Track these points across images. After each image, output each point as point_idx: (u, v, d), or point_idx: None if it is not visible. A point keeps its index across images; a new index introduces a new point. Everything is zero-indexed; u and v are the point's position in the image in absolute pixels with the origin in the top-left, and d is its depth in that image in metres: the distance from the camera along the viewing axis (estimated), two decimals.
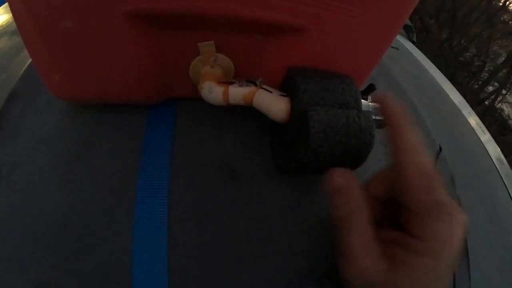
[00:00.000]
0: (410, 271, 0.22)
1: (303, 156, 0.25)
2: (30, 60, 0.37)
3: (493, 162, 0.63)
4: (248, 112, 0.29)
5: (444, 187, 0.23)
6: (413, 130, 0.24)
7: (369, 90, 0.31)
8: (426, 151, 0.24)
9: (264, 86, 0.28)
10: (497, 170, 0.61)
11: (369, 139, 0.25)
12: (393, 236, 0.25)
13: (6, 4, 0.49)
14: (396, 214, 0.26)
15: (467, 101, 0.80)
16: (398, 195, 0.24)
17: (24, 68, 0.37)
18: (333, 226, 0.25)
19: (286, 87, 0.29)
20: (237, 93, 0.28)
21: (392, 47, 0.75)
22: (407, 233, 0.23)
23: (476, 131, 0.68)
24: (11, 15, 0.27)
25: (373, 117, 0.30)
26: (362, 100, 0.28)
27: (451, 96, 0.74)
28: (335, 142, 0.25)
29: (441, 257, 0.22)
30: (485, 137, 0.69)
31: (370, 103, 0.30)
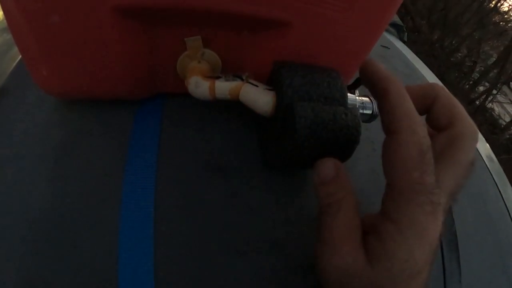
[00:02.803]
0: (383, 262, 0.21)
1: (289, 151, 0.25)
2: (20, 57, 0.37)
3: (484, 160, 0.63)
4: (235, 107, 0.29)
5: (434, 172, 0.21)
6: (406, 96, 0.23)
7: (356, 84, 0.31)
8: (421, 120, 0.22)
9: (250, 81, 0.28)
10: (487, 168, 0.62)
11: (355, 135, 0.25)
12: (371, 221, 0.24)
13: None
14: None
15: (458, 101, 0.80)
16: (384, 171, 0.23)
17: (13, 65, 0.37)
18: (318, 212, 0.24)
19: (272, 81, 0.29)
20: (224, 87, 0.28)
21: (383, 46, 0.75)
22: (384, 216, 0.22)
23: None
24: (0, 12, 0.27)
25: (361, 112, 0.30)
26: (350, 94, 0.28)
27: None
28: (321, 137, 0.25)
29: (415, 249, 0.21)
30: None
31: (357, 97, 0.30)
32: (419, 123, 0.22)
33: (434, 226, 0.21)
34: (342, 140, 0.25)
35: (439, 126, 0.26)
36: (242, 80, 0.28)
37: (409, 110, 0.22)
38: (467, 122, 0.24)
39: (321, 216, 0.24)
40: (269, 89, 0.28)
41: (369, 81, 0.25)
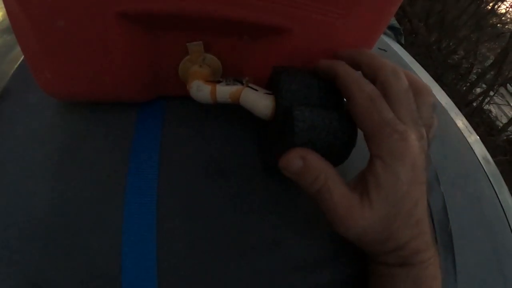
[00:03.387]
0: (380, 195, 0.24)
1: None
2: (22, 58, 0.37)
3: (480, 161, 0.64)
4: (235, 111, 0.30)
5: (389, 110, 0.25)
6: (350, 69, 0.27)
7: None
8: (367, 81, 0.26)
9: (250, 85, 0.29)
10: (483, 169, 0.62)
11: (352, 138, 0.26)
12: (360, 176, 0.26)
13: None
14: None
15: (455, 103, 0.81)
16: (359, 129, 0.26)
17: (15, 67, 0.37)
18: (312, 201, 0.26)
19: (271, 85, 0.29)
20: (225, 91, 0.28)
21: (380, 49, 0.76)
22: (370, 158, 0.25)
23: (462, 132, 0.69)
24: (1, 13, 0.27)
25: None
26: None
27: (438, 97, 0.75)
28: (318, 141, 0.25)
29: (400, 173, 0.23)
30: (472, 138, 0.70)
31: None
32: (364, 82, 0.26)
33: (408, 148, 0.24)
34: (338, 143, 0.26)
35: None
36: (242, 84, 0.29)
37: (354, 78, 0.26)
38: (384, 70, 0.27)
39: (318, 202, 0.25)
40: (269, 93, 0.28)
41: (324, 73, 0.28)
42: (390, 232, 0.24)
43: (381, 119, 0.24)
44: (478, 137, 0.72)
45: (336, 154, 0.26)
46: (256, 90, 0.28)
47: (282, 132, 0.27)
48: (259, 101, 0.28)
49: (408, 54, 0.89)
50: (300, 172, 0.25)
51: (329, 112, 0.26)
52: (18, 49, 0.38)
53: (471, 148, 0.66)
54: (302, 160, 0.25)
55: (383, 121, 0.24)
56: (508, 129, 3.67)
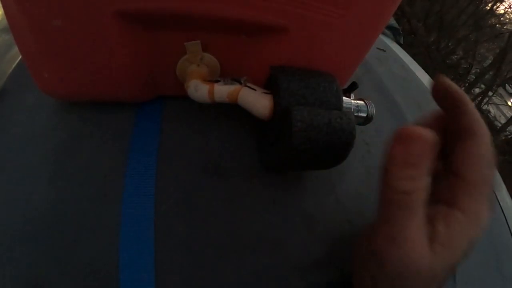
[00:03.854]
0: (446, 249, 0.21)
1: (285, 154, 0.26)
2: (19, 58, 0.37)
3: None
4: (233, 110, 0.30)
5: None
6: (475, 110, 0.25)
7: (351, 88, 0.32)
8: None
9: (248, 84, 0.29)
10: None
11: (350, 138, 0.26)
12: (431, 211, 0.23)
13: None
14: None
15: None
16: (458, 167, 0.23)
17: (13, 66, 0.37)
18: (386, 201, 0.22)
19: (269, 85, 0.29)
20: (222, 91, 0.28)
21: (379, 49, 0.76)
22: (453, 206, 0.23)
23: None
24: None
25: (356, 114, 0.30)
26: (345, 98, 0.29)
27: None
28: (316, 141, 0.25)
29: (471, 239, 0.22)
30: None
31: (352, 101, 0.31)
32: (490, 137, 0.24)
33: (486, 223, 0.23)
34: (337, 143, 0.26)
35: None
36: (240, 83, 0.29)
37: (485, 125, 0.24)
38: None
39: (389, 206, 0.21)
40: (267, 93, 0.28)
41: (445, 91, 0.26)
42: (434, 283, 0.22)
43: (490, 177, 0.23)
44: None
45: (335, 154, 0.26)
46: (254, 89, 0.28)
47: (280, 132, 0.27)
48: (257, 101, 0.28)
49: (406, 54, 0.89)
50: (413, 164, 0.20)
51: (327, 111, 0.26)
52: (15, 49, 0.38)
53: None
54: (427, 147, 0.20)
55: (490, 181, 0.23)
56: (507, 129, 3.68)
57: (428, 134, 0.20)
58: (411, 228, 0.21)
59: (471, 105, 0.24)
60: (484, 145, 0.23)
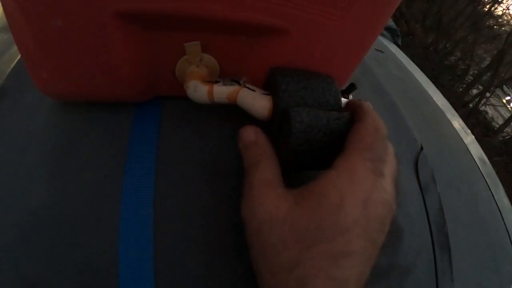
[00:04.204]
0: (312, 200, 0.22)
1: (284, 155, 0.26)
2: (18, 57, 0.37)
3: (476, 162, 0.64)
4: (232, 111, 0.30)
5: (385, 151, 0.25)
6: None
7: (350, 89, 0.32)
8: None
9: (247, 85, 0.29)
10: (480, 170, 0.63)
11: None
12: None
13: None
14: None
15: (452, 104, 0.82)
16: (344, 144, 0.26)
17: (12, 66, 0.37)
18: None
19: (268, 86, 0.29)
20: (222, 91, 0.28)
21: (377, 50, 0.76)
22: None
23: (459, 133, 0.69)
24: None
25: None
26: (343, 99, 0.29)
27: (434, 99, 0.75)
28: (315, 141, 0.25)
29: (346, 196, 0.22)
30: (468, 139, 0.70)
31: None
32: (381, 122, 0.26)
33: (372, 184, 0.22)
34: (335, 144, 0.26)
35: None
36: (240, 84, 0.29)
37: (375, 115, 0.26)
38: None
39: (244, 176, 0.26)
40: (266, 94, 0.28)
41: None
42: (297, 243, 0.21)
43: (370, 145, 0.24)
44: (474, 138, 0.73)
45: (333, 155, 0.26)
46: (253, 90, 0.28)
47: (279, 133, 0.27)
48: (256, 102, 0.28)
49: (404, 55, 0.90)
50: (248, 146, 0.27)
51: (326, 112, 0.26)
52: (14, 48, 0.38)
53: (467, 149, 0.66)
54: (255, 135, 0.27)
55: (368, 146, 0.24)
56: (504, 130, 3.70)
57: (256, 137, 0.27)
58: (254, 184, 0.24)
59: (367, 106, 0.27)
60: (369, 122, 0.25)
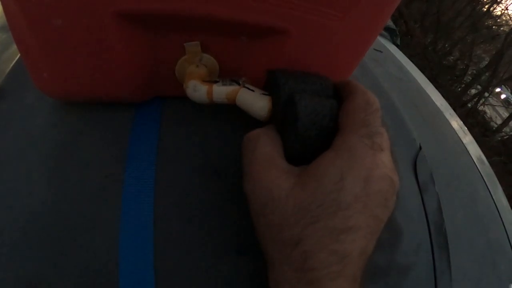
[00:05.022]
0: (312, 180, 0.22)
1: (291, 142, 0.26)
2: (17, 57, 0.37)
3: (474, 162, 0.64)
4: (232, 111, 0.30)
5: (379, 123, 0.24)
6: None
7: None
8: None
9: (247, 85, 0.29)
10: (478, 169, 0.63)
11: None
12: None
13: None
14: None
15: (450, 104, 0.82)
16: (339, 122, 0.26)
17: (11, 65, 0.37)
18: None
19: (267, 86, 0.29)
20: (221, 91, 0.28)
21: (376, 50, 0.76)
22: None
23: (457, 132, 0.69)
24: None
25: None
26: None
27: (433, 99, 0.75)
28: (321, 126, 0.25)
29: (347, 174, 0.22)
30: (467, 138, 0.71)
31: None
32: (372, 94, 0.26)
33: (371, 160, 0.23)
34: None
35: None
36: (239, 84, 0.29)
37: (364, 89, 0.26)
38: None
39: (242, 153, 0.26)
40: (265, 94, 0.28)
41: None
42: (299, 220, 0.22)
43: (364, 121, 0.24)
44: (472, 138, 0.73)
45: None
46: (253, 90, 0.28)
47: (284, 125, 0.27)
48: (255, 102, 0.28)
49: (403, 55, 0.90)
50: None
51: (328, 99, 0.26)
52: (14, 47, 0.38)
53: (466, 148, 0.66)
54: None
55: (363, 122, 0.24)
56: (503, 130, 3.71)
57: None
58: (253, 162, 0.24)
59: (356, 84, 0.27)
60: (359, 97, 0.25)
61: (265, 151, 0.25)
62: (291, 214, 0.22)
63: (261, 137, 0.26)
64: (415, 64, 0.89)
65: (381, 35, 0.91)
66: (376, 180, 0.22)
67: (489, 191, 0.59)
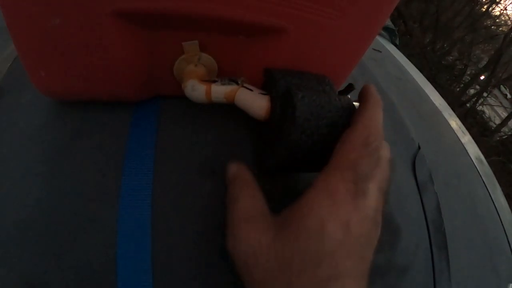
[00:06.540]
0: (291, 230, 0.21)
1: (289, 143, 0.26)
2: (15, 57, 0.37)
3: (473, 161, 0.64)
4: (230, 110, 0.30)
5: (373, 170, 0.23)
6: (379, 110, 0.26)
7: (348, 89, 0.32)
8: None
9: (245, 85, 0.29)
10: (477, 169, 0.63)
11: (351, 117, 0.26)
12: None
13: None
14: None
15: (449, 104, 0.82)
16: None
17: (9, 65, 0.36)
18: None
19: (266, 86, 0.29)
20: (219, 91, 0.28)
21: (375, 49, 0.76)
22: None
23: (456, 132, 0.69)
24: None
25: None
26: None
27: (432, 98, 0.75)
28: (319, 118, 0.25)
29: (326, 221, 0.21)
30: (465, 138, 0.71)
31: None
32: (379, 129, 0.24)
33: (352, 207, 0.21)
34: (339, 122, 0.26)
35: None
36: (238, 84, 0.29)
37: (374, 117, 0.25)
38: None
39: (226, 212, 0.26)
40: (264, 94, 0.28)
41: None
42: (284, 272, 0.21)
43: (353, 163, 0.23)
44: (471, 138, 0.73)
45: (335, 136, 0.26)
46: (251, 90, 0.28)
47: (283, 121, 0.27)
48: (254, 102, 0.28)
49: (402, 55, 0.90)
50: (231, 182, 0.27)
51: (326, 93, 0.26)
52: (12, 47, 0.38)
53: (465, 148, 0.66)
54: (237, 169, 0.27)
55: (351, 165, 0.23)
56: (501, 130, 3.71)
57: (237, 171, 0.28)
58: (234, 218, 0.24)
59: (371, 104, 0.26)
60: (359, 131, 0.24)
61: (245, 211, 0.24)
62: (275, 266, 0.21)
63: (240, 197, 0.25)
64: (414, 64, 0.89)
65: (380, 35, 0.91)
66: (358, 223, 0.21)
67: (488, 190, 0.59)
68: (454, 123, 0.73)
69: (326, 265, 0.20)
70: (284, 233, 0.22)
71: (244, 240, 0.23)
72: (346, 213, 0.21)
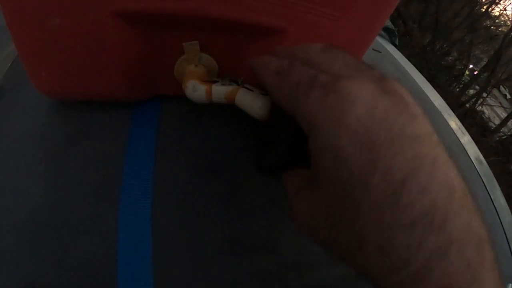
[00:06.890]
0: (318, 178, 0.19)
1: (289, 141, 0.25)
2: (15, 56, 0.37)
3: (472, 162, 0.64)
4: (230, 111, 0.30)
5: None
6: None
7: None
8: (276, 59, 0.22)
9: (245, 85, 0.29)
10: (476, 169, 0.63)
11: None
12: None
13: None
14: None
15: (448, 104, 0.82)
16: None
17: (9, 65, 0.37)
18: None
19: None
20: (220, 91, 0.28)
21: (375, 50, 0.76)
22: None
23: (455, 132, 0.69)
24: None
25: None
26: None
27: (431, 99, 0.75)
28: None
29: (338, 144, 0.17)
30: (465, 138, 0.70)
31: None
32: (269, 60, 0.23)
33: (343, 102, 0.17)
34: None
35: None
36: (238, 84, 0.29)
37: (261, 61, 0.23)
38: None
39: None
40: (264, 94, 0.28)
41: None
42: (339, 218, 0.18)
43: (291, 85, 0.20)
44: (471, 138, 0.73)
45: None
46: (252, 90, 0.28)
47: (283, 119, 0.27)
48: (254, 102, 0.28)
49: (402, 55, 0.90)
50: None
51: None
52: (12, 47, 0.38)
53: (464, 148, 0.66)
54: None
55: (294, 86, 0.19)
56: (501, 130, 3.72)
57: None
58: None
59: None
60: (270, 77, 0.22)
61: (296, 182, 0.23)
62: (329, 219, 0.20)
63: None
64: (414, 64, 0.89)
65: (380, 35, 0.91)
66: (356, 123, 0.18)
67: (488, 191, 0.59)
68: (454, 123, 0.73)
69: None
70: (319, 189, 0.20)
71: (299, 209, 0.22)
72: (346, 118, 0.17)
